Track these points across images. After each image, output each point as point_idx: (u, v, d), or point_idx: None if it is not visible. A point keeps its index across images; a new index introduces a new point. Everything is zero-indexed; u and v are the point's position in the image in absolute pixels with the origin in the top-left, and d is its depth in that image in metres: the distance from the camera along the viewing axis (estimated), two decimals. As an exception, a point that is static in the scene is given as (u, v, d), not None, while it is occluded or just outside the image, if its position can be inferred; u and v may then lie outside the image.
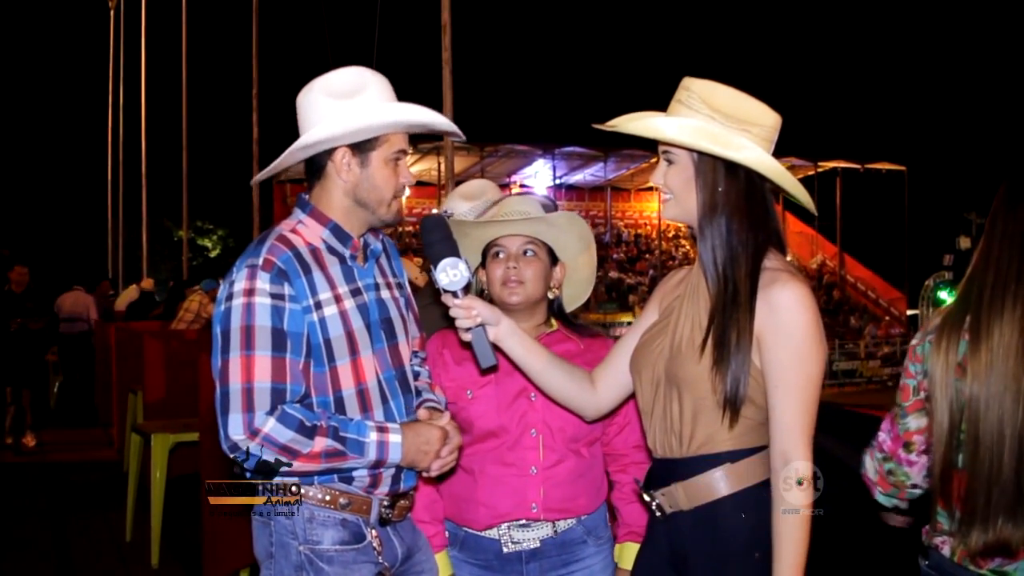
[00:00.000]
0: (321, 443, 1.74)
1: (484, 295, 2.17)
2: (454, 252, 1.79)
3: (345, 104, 1.85)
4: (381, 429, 1.81)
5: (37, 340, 8.77)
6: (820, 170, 27.45)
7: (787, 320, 1.62)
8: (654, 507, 1.77)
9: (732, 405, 1.65)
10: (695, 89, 1.71)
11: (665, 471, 1.76)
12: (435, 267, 1.78)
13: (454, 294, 1.79)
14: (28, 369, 8.58)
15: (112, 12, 26.02)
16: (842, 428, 2.67)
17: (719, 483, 1.68)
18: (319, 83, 1.90)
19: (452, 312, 1.80)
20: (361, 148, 1.88)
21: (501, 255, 2.12)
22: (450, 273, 1.77)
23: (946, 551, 1.73)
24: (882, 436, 1.86)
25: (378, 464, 1.82)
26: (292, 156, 1.89)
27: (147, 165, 22.71)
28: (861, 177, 28.75)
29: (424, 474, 1.92)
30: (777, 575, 1.58)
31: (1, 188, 32.86)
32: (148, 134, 22.62)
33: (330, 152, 1.89)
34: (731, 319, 1.65)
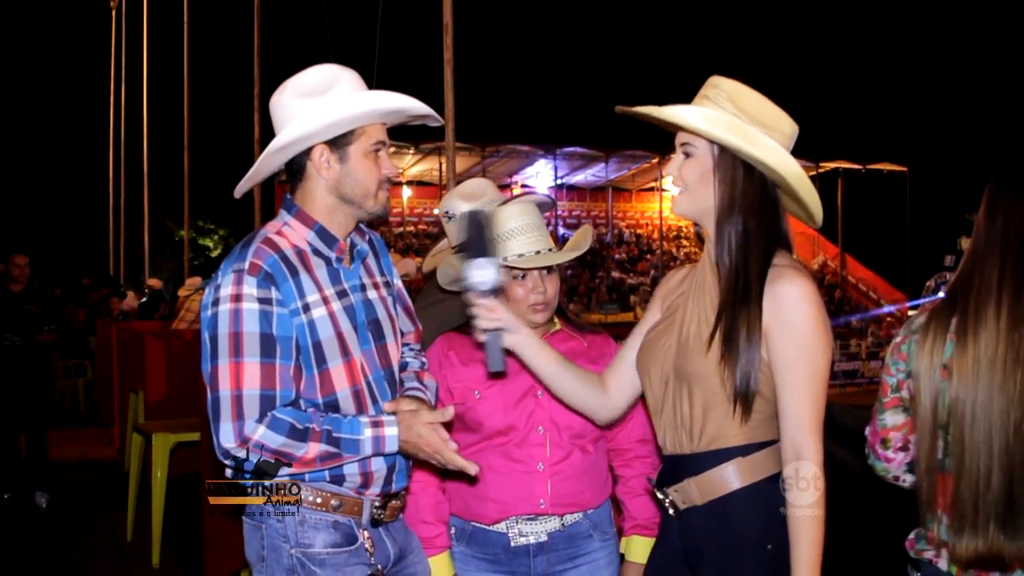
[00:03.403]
0: (315, 448, 1.74)
1: None
2: (491, 252, 1.77)
3: (317, 101, 1.84)
4: (376, 424, 1.80)
5: (42, 357, 6.43)
6: (822, 170, 27.43)
7: (793, 314, 1.65)
8: (667, 504, 1.79)
9: (743, 398, 1.67)
10: (723, 87, 1.72)
11: (677, 468, 1.78)
12: (470, 263, 1.76)
13: (480, 292, 1.77)
14: (34, 400, 6.26)
15: (113, 12, 26.02)
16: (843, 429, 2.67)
17: (731, 477, 1.70)
18: (290, 84, 1.89)
19: (475, 310, 1.78)
20: (338, 143, 1.87)
21: (523, 276, 2.12)
22: (483, 273, 1.75)
23: (942, 564, 1.71)
24: (867, 431, 1.89)
25: (376, 456, 1.82)
26: (269, 160, 1.88)
27: (148, 165, 22.70)
28: (863, 178, 28.75)
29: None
30: (795, 571, 1.60)
31: (2, 188, 32.88)
32: (149, 134, 22.61)
33: (308, 151, 1.87)
34: (740, 313, 1.67)
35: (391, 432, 1.81)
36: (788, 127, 1.73)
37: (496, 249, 1.80)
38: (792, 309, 1.65)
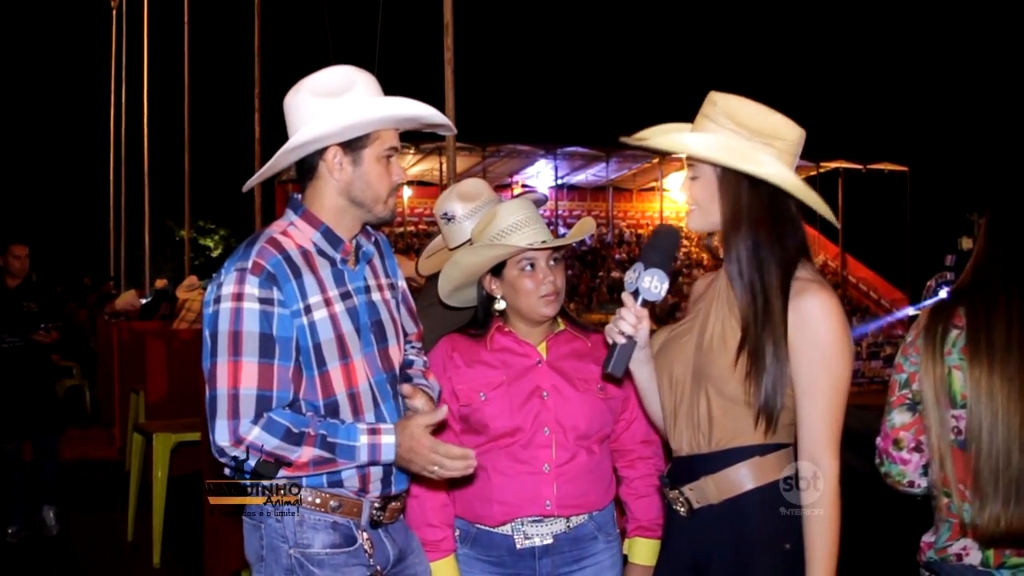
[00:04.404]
0: (308, 453, 1.74)
1: (494, 301, 2.19)
2: (668, 269, 1.76)
3: (334, 102, 1.84)
4: (373, 431, 1.80)
5: (41, 359, 5.65)
6: (822, 170, 27.44)
7: (816, 329, 1.66)
8: (680, 503, 1.78)
9: (769, 413, 1.68)
10: (720, 104, 1.73)
11: (691, 467, 1.78)
12: (644, 268, 1.74)
13: (638, 298, 1.75)
14: (40, 406, 5.52)
15: (114, 11, 26.03)
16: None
17: (748, 476, 1.71)
18: (306, 83, 1.89)
19: (624, 312, 1.74)
20: (352, 146, 1.87)
21: (532, 267, 2.13)
22: (655, 282, 1.73)
23: (974, 558, 1.71)
24: (877, 439, 1.90)
25: (372, 464, 1.81)
26: (283, 158, 1.88)
27: (149, 165, 22.71)
28: (863, 178, 28.75)
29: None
30: (811, 571, 1.61)
31: (2, 188, 32.90)
32: (150, 134, 22.62)
33: (321, 152, 1.87)
34: (766, 331, 1.67)
35: (388, 440, 1.79)
36: (792, 133, 1.72)
37: (671, 268, 1.77)
38: (816, 324, 1.66)
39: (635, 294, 1.74)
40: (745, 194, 1.71)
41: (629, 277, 1.76)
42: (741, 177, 1.71)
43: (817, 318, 1.66)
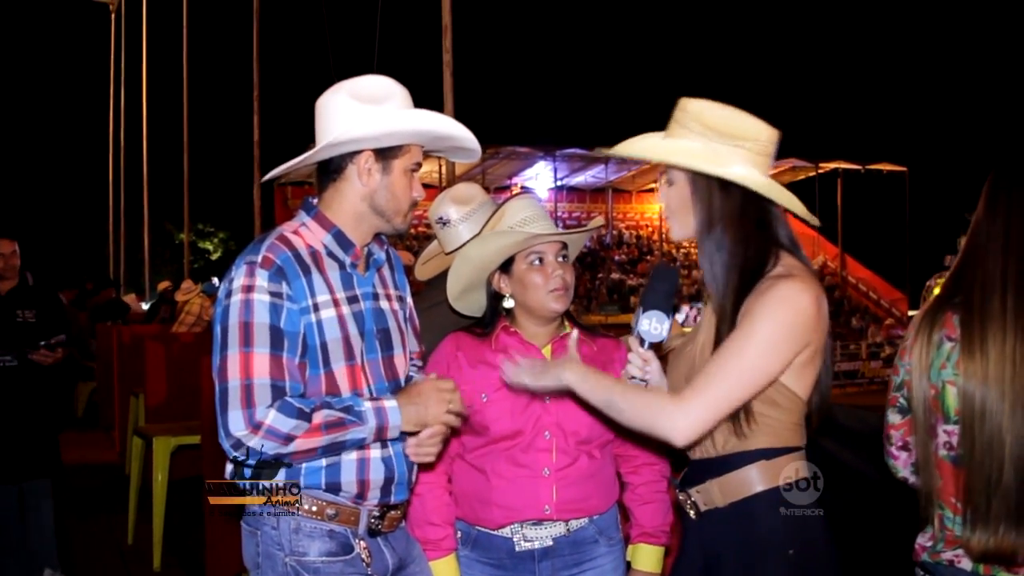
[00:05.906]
0: (319, 415, 1.73)
1: (502, 299, 2.18)
2: (667, 309, 1.77)
3: (373, 109, 1.86)
4: (375, 399, 1.82)
5: (44, 381, 4.46)
6: (821, 171, 27.49)
7: (754, 305, 1.64)
8: (688, 505, 1.79)
9: (742, 411, 1.66)
10: (689, 109, 1.74)
11: (700, 471, 1.78)
12: (643, 311, 1.78)
13: (642, 341, 1.78)
14: (32, 444, 4.39)
15: (113, 14, 26.05)
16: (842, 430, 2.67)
17: (754, 479, 1.70)
18: (347, 86, 1.91)
19: (631, 356, 1.80)
20: (384, 155, 1.89)
21: (541, 262, 2.13)
22: (654, 324, 1.76)
23: (965, 564, 1.69)
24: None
25: (381, 430, 1.80)
26: (318, 154, 1.89)
27: (148, 168, 22.73)
28: (862, 178, 28.78)
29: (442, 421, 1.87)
30: (587, 386, 1.69)
31: (1, 191, 32.90)
32: (149, 137, 22.64)
33: (353, 155, 1.89)
34: (727, 331, 1.67)
35: (391, 403, 1.81)
36: (763, 134, 1.71)
37: (673, 307, 1.80)
38: (758, 302, 1.63)
39: (640, 338, 1.78)
40: (716, 198, 1.72)
41: (633, 322, 1.80)
42: (712, 181, 1.71)
43: (764, 299, 1.63)
